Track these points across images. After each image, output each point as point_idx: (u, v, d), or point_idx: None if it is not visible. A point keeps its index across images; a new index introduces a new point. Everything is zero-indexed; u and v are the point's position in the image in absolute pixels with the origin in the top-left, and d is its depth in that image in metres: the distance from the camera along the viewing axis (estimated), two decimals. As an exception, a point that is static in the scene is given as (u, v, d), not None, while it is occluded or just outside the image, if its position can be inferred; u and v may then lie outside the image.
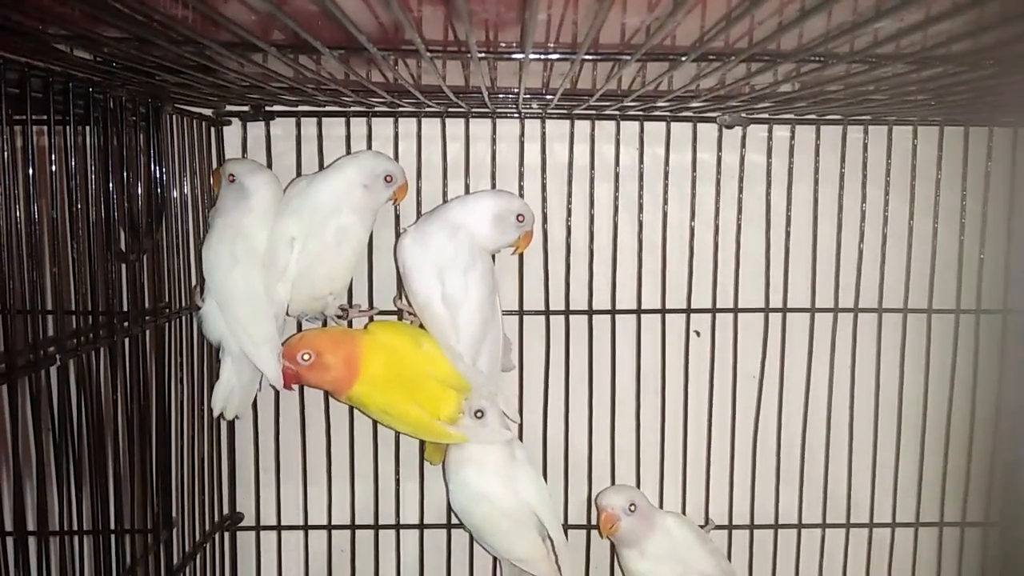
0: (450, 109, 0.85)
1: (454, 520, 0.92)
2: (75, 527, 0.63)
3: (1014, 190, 0.89)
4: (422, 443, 0.90)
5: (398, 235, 0.87)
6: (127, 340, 0.72)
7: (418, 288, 0.79)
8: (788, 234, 0.89)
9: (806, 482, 0.93)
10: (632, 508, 0.83)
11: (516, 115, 0.87)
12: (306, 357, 0.78)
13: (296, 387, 0.85)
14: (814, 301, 0.90)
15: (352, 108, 0.86)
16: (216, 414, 0.84)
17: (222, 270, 0.79)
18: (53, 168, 0.64)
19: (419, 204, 0.87)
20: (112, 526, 0.69)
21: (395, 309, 0.87)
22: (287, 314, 0.83)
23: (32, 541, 0.58)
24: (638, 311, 0.90)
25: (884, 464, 0.92)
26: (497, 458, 0.82)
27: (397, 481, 0.92)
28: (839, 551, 0.93)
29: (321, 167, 0.86)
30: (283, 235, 0.80)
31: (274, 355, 0.79)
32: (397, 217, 0.88)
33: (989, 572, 0.92)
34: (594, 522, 0.93)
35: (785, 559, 0.94)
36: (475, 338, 0.80)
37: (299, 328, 0.88)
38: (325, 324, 0.87)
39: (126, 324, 0.72)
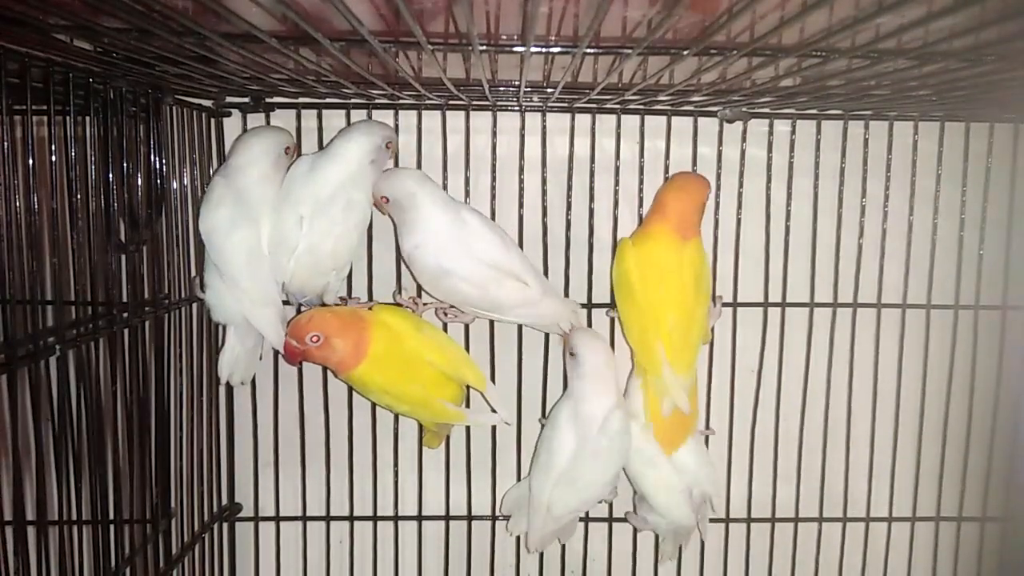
0: (451, 102, 0.85)
1: (452, 512, 0.93)
2: (74, 517, 0.63)
3: (1014, 186, 0.89)
4: (420, 431, 0.91)
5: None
6: (126, 331, 0.72)
7: (462, 281, 0.79)
8: (788, 229, 0.89)
9: (803, 476, 0.93)
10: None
11: (517, 108, 0.87)
12: (315, 339, 0.78)
13: (296, 367, 0.86)
14: (813, 296, 0.91)
15: (352, 100, 0.85)
16: (223, 382, 0.85)
17: (221, 233, 0.78)
18: (53, 159, 0.64)
19: (419, 197, 0.87)
20: (111, 516, 0.69)
21: (394, 303, 0.87)
22: (285, 294, 0.83)
23: (31, 531, 0.58)
24: (637, 305, 0.90)
25: (881, 458, 0.92)
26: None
27: (396, 473, 0.92)
28: (836, 545, 0.94)
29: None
30: (292, 216, 0.80)
31: (277, 318, 0.80)
32: (397, 209, 0.88)
33: (985, 567, 0.93)
34: (592, 515, 0.93)
35: (782, 553, 0.94)
36: (535, 275, 0.82)
37: (298, 313, 0.88)
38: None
39: (125, 315, 0.72)
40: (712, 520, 0.92)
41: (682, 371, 0.81)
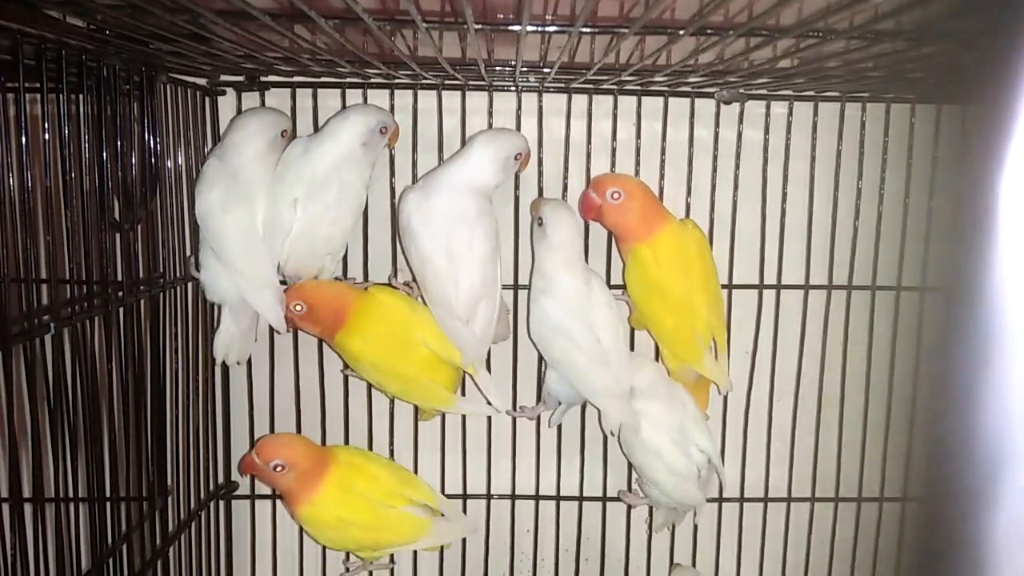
0: (446, 81, 0.85)
1: (448, 491, 0.93)
2: (71, 495, 0.64)
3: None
4: (415, 408, 0.91)
5: (393, 210, 0.87)
6: (121, 310, 0.72)
7: (423, 243, 0.79)
8: (784, 211, 0.89)
9: (796, 456, 0.93)
10: None
11: (513, 88, 0.87)
12: (298, 308, 0.81)
13: (291, 345, 0.86)
14: (808, 278, 0.91)
15: (348, 79, 0.85)
16: (219, 362, 0.86)
17: (215, 216, 0.78)
18: (46, 136, 0.63)
19: (415, 178, 0.87)
20: (108, 494, 0.69)
21: (389, 284, 0.87)
22: (282, 276, 0.83)
23: (28, 508, 0.59)
24: (633, 286, 0.90)
25: (874, 439, 0.93)
26: (573, 291, 0.81)
27: (391, 453, 0.92)
28: (827, 524, 0.94)
29: (316, 138, 0.85)
30: (286, 198, 0.80)
31: (276, 299, 0.80)
32: (393, 190, 0.88)
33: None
34: (587, 494, 0.94)
35: (774, 532, 0.95)
36: (473, 296, 0.80)
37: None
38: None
39: (120, 294, 0.72)
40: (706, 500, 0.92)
41: (721, 350, 0.85)
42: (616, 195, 0.81)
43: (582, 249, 0.84)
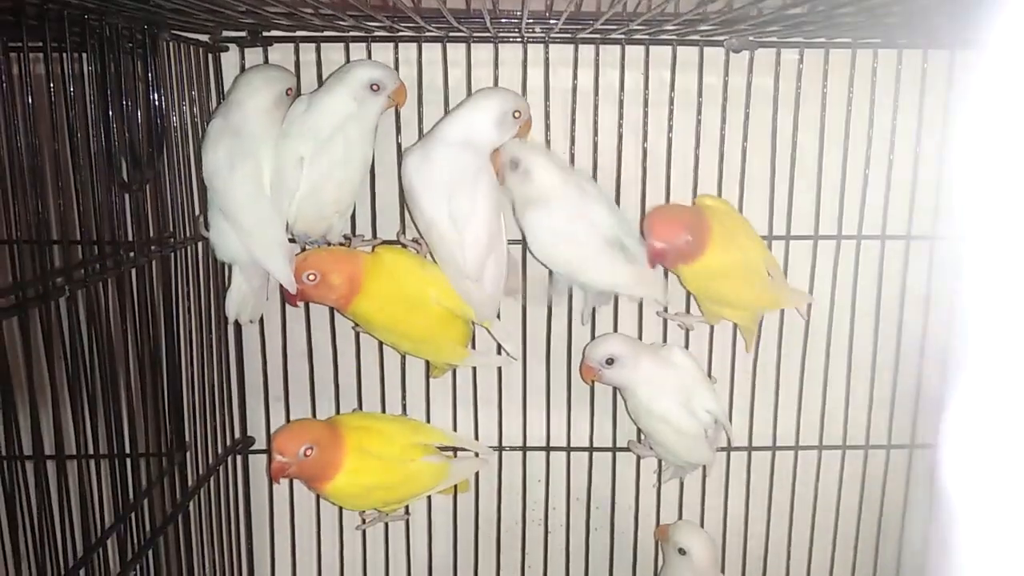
0: (451, 34, 0.84)
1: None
2: (91, 452, 0.65)
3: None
4: (427, 365, 0.92)
5: (400, 165, 0.86)
6: (133, 270, 0.73)
7: (425, 207, 0.79)
8: (793, 160, 0.88)
9: (804, 405, 0.94)
10: (609, 361, 0.84)
11: (519, 40, 0.85)
12: (311, 277, 0.79)
13: (302, 304, 0.86)
14: (817, 228, 0.90)
15: (351, 33, 0.84)
16: (231, 321, 0.87)
17: (222, 175, 0.78)
18: (52, 98, 0.63)
19: (420, 132, 0.86)
20: (127, 450, 0.71)
21: (397, 243, 0.87)
22: (290, 235, 0.83)
23: (51, 465, 0.60)
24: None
25: (882, 388, 0.94)
26: (565, 195, 0.81)
27: (404, 407, 0.93)
28: (835, 473, 0.96)
29: (321, 94, 0.84)
30: (291, 156, 0.79)
31: (287, 260, 0.80)
32: (399, 146, 0.87)
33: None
34: (596, 445, 0.95)
35: (782, 480, 0.96)
36: (481, 254, 0.80)
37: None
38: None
39: (132, 254, 0.73)
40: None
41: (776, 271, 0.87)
42: (687, 240, 0.80)
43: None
